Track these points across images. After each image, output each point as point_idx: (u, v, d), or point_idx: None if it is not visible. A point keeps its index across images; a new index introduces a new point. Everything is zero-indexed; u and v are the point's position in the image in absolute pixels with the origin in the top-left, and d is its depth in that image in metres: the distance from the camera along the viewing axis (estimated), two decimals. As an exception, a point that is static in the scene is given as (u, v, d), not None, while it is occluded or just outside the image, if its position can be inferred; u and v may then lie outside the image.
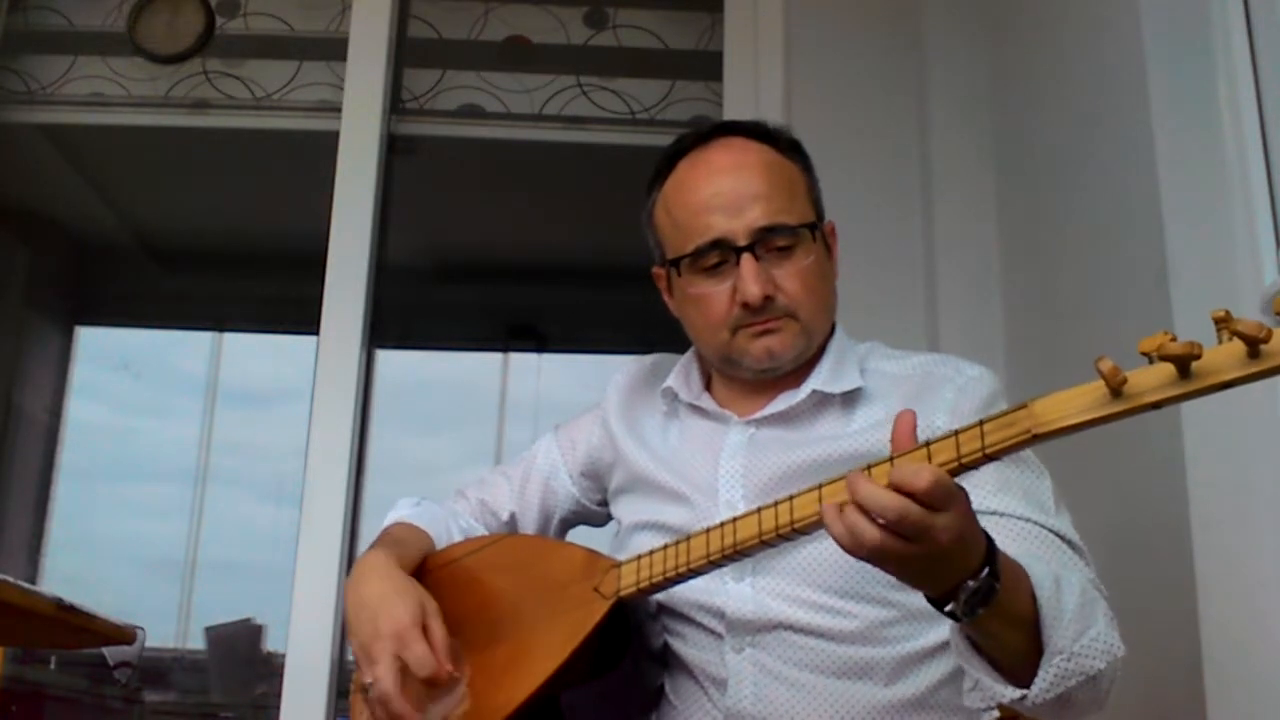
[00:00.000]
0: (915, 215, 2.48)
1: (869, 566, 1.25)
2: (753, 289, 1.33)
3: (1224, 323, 0.83)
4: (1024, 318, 2.20)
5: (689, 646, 1.34)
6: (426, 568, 1.42)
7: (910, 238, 2.46)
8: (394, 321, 2.85)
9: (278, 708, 2.34)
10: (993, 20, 2.40)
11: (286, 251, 3.52)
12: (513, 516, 1.59)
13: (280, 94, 2.89)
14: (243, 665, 3.42)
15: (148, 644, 1.56)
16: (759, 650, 1.28)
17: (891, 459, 1.00)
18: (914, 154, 2.51)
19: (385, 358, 2.79)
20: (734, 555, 1.15)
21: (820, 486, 1.06)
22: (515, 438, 3.40)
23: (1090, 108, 1.84)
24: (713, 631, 1.31)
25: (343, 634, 2.38)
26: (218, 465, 3.52)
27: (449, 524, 1.53)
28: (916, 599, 1.26)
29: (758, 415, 1.40)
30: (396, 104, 2.78)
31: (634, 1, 2.91)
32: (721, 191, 1.37)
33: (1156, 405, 0.87)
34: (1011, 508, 1.25)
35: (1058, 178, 2.01)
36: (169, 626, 3.44)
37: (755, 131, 1.44)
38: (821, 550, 1.28)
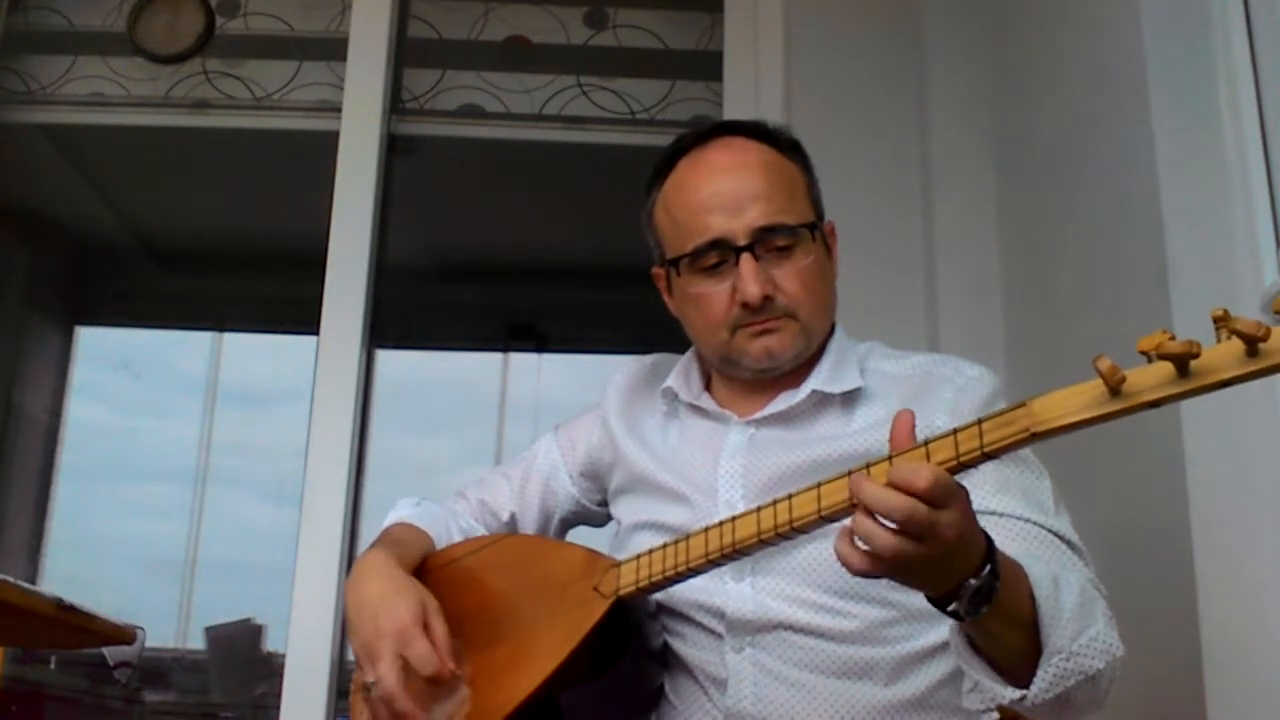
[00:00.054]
0: (915, 215, 2.48)
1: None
2: (752, 289, 1.33)
3: (1223, 321, 0.83)
4: (1024, 318, 2.20)
5: (689, 646, 1.34)
6: (426, 568, 1.42)
7: (910, 238, 2.46)
8: (394, 321, 2.85)
9: (278, 708, 2.34)
10: (993, 20, 2.40)
11: (286, 251, 3.52)
12: (513, 517, 1.59)
13: (280, 94, 2.89)
14: (243, 665, 3.42)
15: (148, 644, 1.56)
16: (759, 650, 1.28)
17: (890, 458, 1.00)
18: (914, 154, 2.51)
19: (385, 358, 2.79)
20: (733, 554, 1.15)
21: (819, 486, 1.06)
22: (515, 438, 3.40)
23: (1090, 108, 1.84)
24: (712, 631, 1.31)
25: (343, 634, 2.38)
26: (218, 465, 3.52)
27: (449, 524, 1.53)
28: (916, 599, 1.27)
29: (757, 415, 1.40)
30: (396, 104, 2.78)
31: (634, 1, 2.91)
32: (721, 191, 1.37)
33: (1155, 404, 0.87)
34: (1011, 508, 1.25)
35: (1058, 178, 2.01)
36: (169, 626, 3.44)
37: (755, 131, 1.44)
38: (821, 550, 1.28)
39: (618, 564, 1.27)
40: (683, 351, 1.53)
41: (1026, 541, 1.22)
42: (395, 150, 2.74)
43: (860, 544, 0.97)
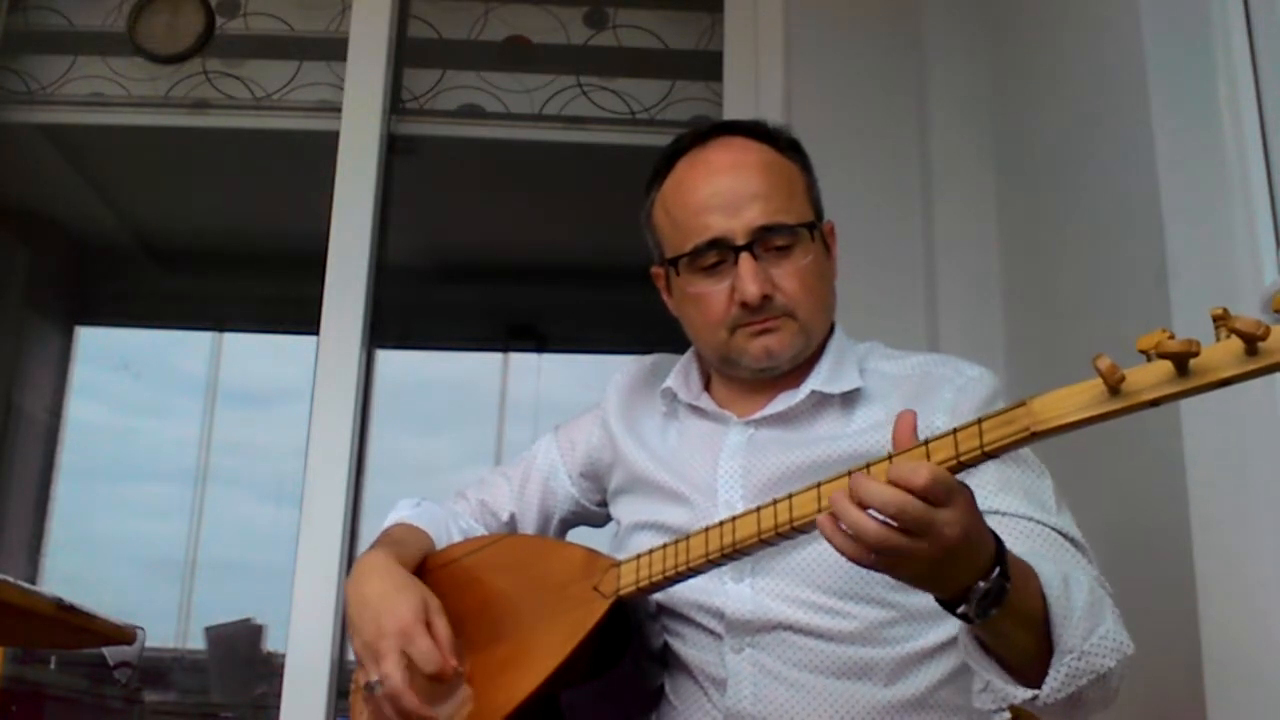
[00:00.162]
0: (915, 215, 2.48)
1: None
2: (751, 288, 1.33)
3: (1222, 320, 0.83)
4: (1024, 318, 2.20)
5: (688, 647, 1.34)
6: (426, 568, 1.42)
7: (910, 238, 2.46)
8: (394, 321, 2.86)
9: (278, 708, 2.34)
10: (993, 20, 2.40)
11: (286, 251, 3.52)
12: (512, 517, 1.59)
13: (280, 94, 2.89)
14: (243, 665, 3.42)
15: (148, 644, 1.56)
16: (758, 650, 1.28)
17: (890, 457, 1.00)
18: (914, 154, 2.51)
19: (385, 358, 2.79)
20: (733, 554, 1.15)
21: (819, 485, 1.06)
22: (515, 438, 3.40)
23: (1090, 108, 1.84)
24: (712, 632, 1.31)
25: (343, 634, 2.37)
26: (218, 465, 3.52)
27: (449, 524, 1.54)
28: (916, 600, 1.27)
29: (757, 415, 1.39)
30: (396, 104, 2.78)
31: (634, 1, 2.91)
32: (720, 191, 1.37)
33: (1155, 403, 0.87)
34: (1013, 507, 1.25)
35: (1058, 178, 2.01)
36: (169, 626, 3.44)
37: (754, 131, 1.44)
38: (821, 551, 1.28)
39: (618, 564, 1.27)
40: (683, 351, 1.53)
41: (1030, 540, 1.22)
42: (395, 150, 2.74)
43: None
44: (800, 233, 1.37)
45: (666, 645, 1.36)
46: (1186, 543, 1.44)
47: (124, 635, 1.45)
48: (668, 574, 1.21)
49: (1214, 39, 1.54)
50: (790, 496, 1.09)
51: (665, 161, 1.45)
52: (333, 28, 2.86)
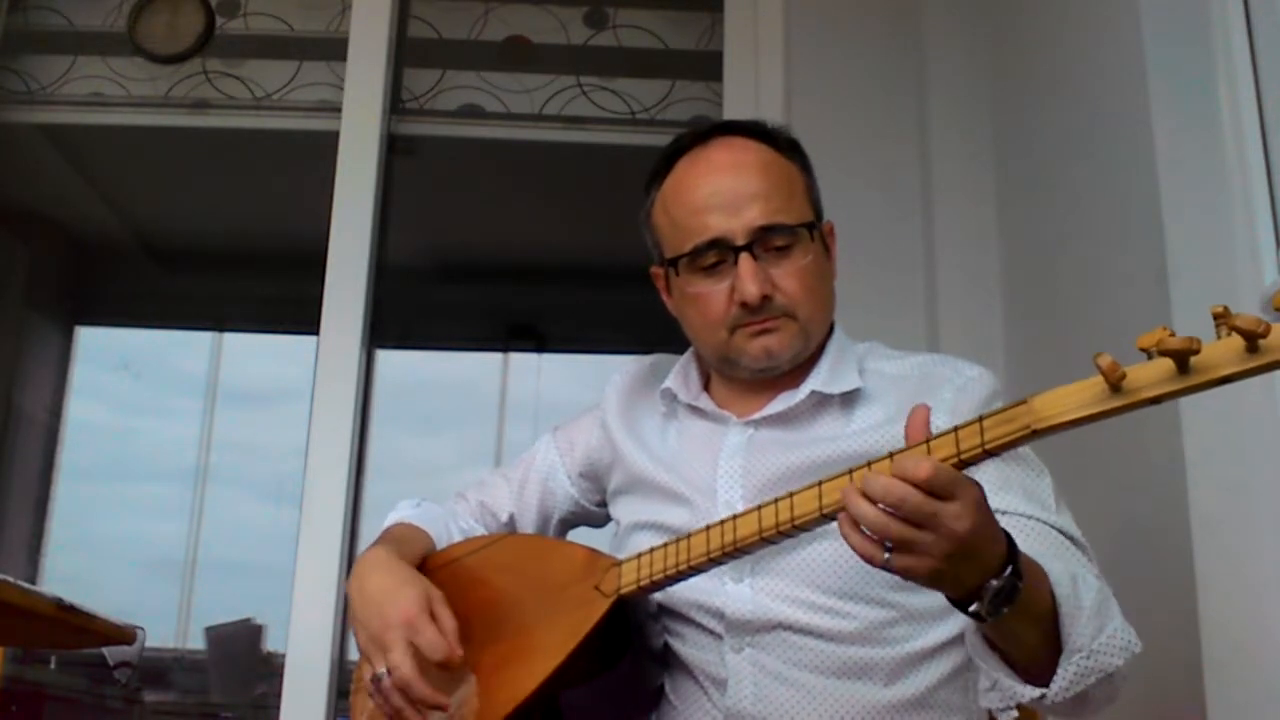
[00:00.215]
0: (915, 215, 2.48)
1: (868, 567, 1.26)
2: (750, 288, 1.33)
3: (1223, 318, 0.83)
4: (1024, 318, 2.20)
5: (688, 646, 1.34)
6: (427, 567, 1.42)
7: (910, 238, 2.46)
8: (394, 321, 2.86)
9: (278, 708, 2.34)
10: (993, 20, 2.40)
11: (286, 251, 3.52)
12: (512, 518, 1.59)
13: (280, 94, 2.89)
14: (243, 665, 3.42)
15: (148, 644, 1.56)
16: (758, 650, 1.28)
17: (891, 455, 1.00)
18: (914, 154, 2.51)
19: (385, 358, 2.79)
20: (734, 553, 1.15)
21: (820, 484, 1.06)
22: (515, 438, 3.40)
23: (1090, 108, 1.84)
24: (712, 632, 1.31)
25: (343, 634, 2.38)
26: (218, 465, 3.52)
27: (449, 524, 1.54)
28: (916, 600, 1.27)
29: (756, 416, 1.39)
30: (396, 104, 2.78)
31: (634, 1, 2.91)
32: (720, 191, 1.36)
33: (1155, 400, 0.87)
34: (1013, 505, 1.25)
35: (1058, 178, 2.01)
36: (169, 626, 3.44)
37: (754, 131, 1.44)
38: (820, 551, 1.28)
39: (618, 563, 1.27)
40: (682, 351, 1.53)
41: (1031, 539, 1.22)
42: (395, 150, 2.74)
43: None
44: (800, 233, 1.36)
45: (667, 645, 1.36)
46: (1186, 543, 1.44)
47: (124, 635, 1.45)
48: (669, 573, 1.21)
49: (1214, 39, 1.54)
50: (791, 495, 1.09)
51: (665, 161, 1.45)
52: (333, 28, 2.86)
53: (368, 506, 2.51)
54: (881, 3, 2.62)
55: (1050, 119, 2.05)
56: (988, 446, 0.96)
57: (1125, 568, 1.44)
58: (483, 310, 3.70)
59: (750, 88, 2.59)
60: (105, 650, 1.55)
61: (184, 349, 3.86)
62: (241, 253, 3.66)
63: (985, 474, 1.21)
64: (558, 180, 3.22)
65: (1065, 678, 1.05)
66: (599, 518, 1.60)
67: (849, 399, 1.38)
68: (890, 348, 1.48)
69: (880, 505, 0.96)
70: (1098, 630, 1.07)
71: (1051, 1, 2.08)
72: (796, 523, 1.08)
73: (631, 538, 1.43)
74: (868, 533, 0.99)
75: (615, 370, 1.59)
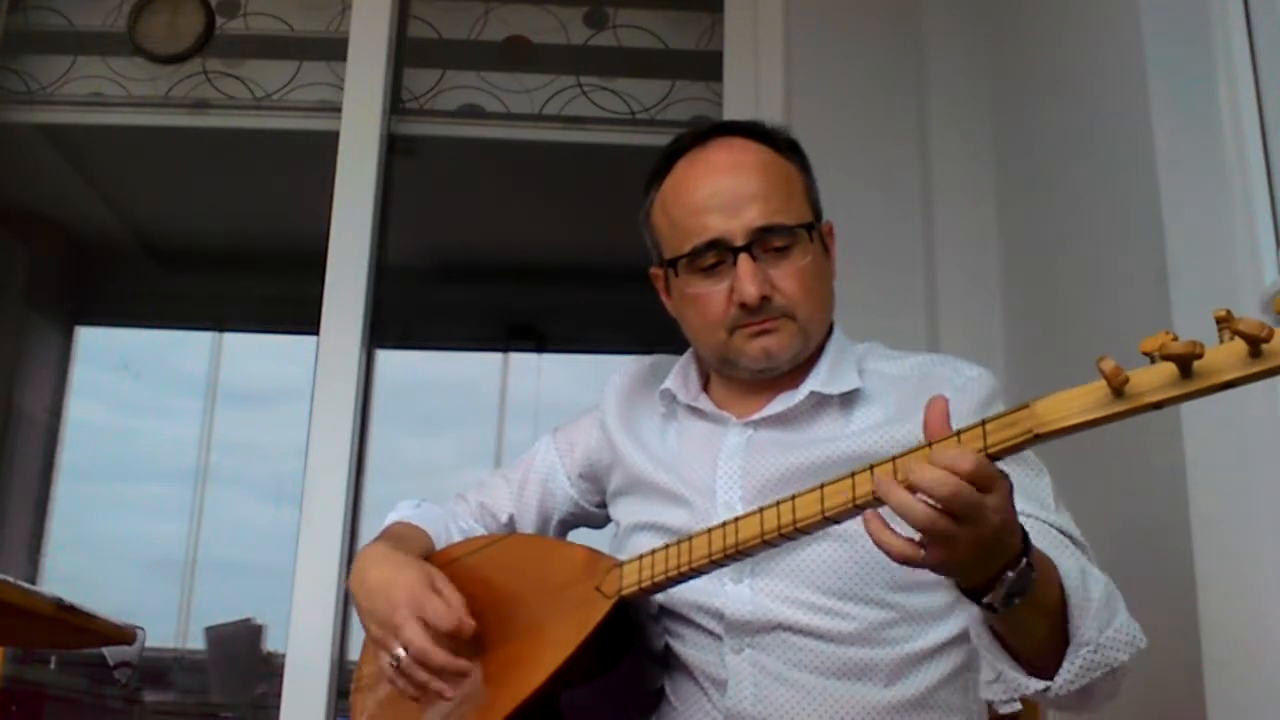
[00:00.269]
0: (915, 215, 2.48)
1: (867, 568, 1.26)
2: (749, 289, 1.33)
3: (1225, 322, 0.83)
4: (1024, 318, 2.20)
5: (688, 647, 1.34)
6: (427, 567, 1.42)
7: (910, 238, 2.46)
8: (394, 321, 2.86)
9: (278, 708, 2.34)
10: (993, 20, 2.40)
11: (286, 251, 3.52)
12: (511, 519, 1.59)
13: (280, 94, 2.89)
14: (243, 665, 3.42)
15: (148, 644, 1.56)
16: (758, 651, 1.28)
17: (894, 459, 1.00)
18: (914, 154, 2.51)
19: (385, 358, 2.79)
20: (735, 555, 1.15)
21: (822, 487, 1.06)
22: (515, 438, 3.41)
23: (1090, 108, 1.84)
24: (712, 633, 1.31)
25: (343, 634, 2.38)
26: (218, 465, 3.53)
27: (448, 524, 1.54)
28: (915, 600, 1.27)
29: (756, 416, 1.39)
30: (396, 104, 2.78)
31: (634, 1, 2.91)
32: (719, 191, 1.36)
33: (1158, 405, 0.87)
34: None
35: (1058, 178, 2.01)
36: (169, 626, 3.44)
37: (753, 131, 1.44)
38: (820, 552, 1.28)
39: (620, 564, 1.27)
40: (683, 352, 1.53)
41: (1032, 537, 1.22)
42: (395, 150, 2.74)
43: (895, 526, 0.97)
44: (799, 233, 1.36)
45: (667, 646, 1.36)
46: (1187, 543, 1.44)
47: (124, 635, 1.45)
48: (670, 574, 1.21)
49: (1214, 39, 1.54)
50: (794, 498, 1.09)
51: (664, 162, 1.45)
52: (333, 28, 2.86)
53: (368, 506, 2.51)
54: (881, 3, 2.62)
55: (1050, 119, 2.05)
56: (990, 450, 0.96)
57: (1125, 568, 1.43)
58: (483, 310, 3.70)
59: (750, 88, 2.59)
60: (105, 650, 1.55)
61: (184, 349, 3.86)
62: (241, 253, 3.66)
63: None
64: (558, 180, 3.22)
65: (1071, 671, 1.05)
66: (599, 519, 1.59)
67: (848, 399, 1.38)
68: (889, 348, 1.48)
69: (920, 496, 0.95)
70: (1105, 624, 1.07)
71: (1051, 1, 2.08)
72: (799, 525, 1.08)
73: (631, 538, 1.43)
74: (898, 530, 0.98)
75: (615, 371, 1.59)
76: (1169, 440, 1.46)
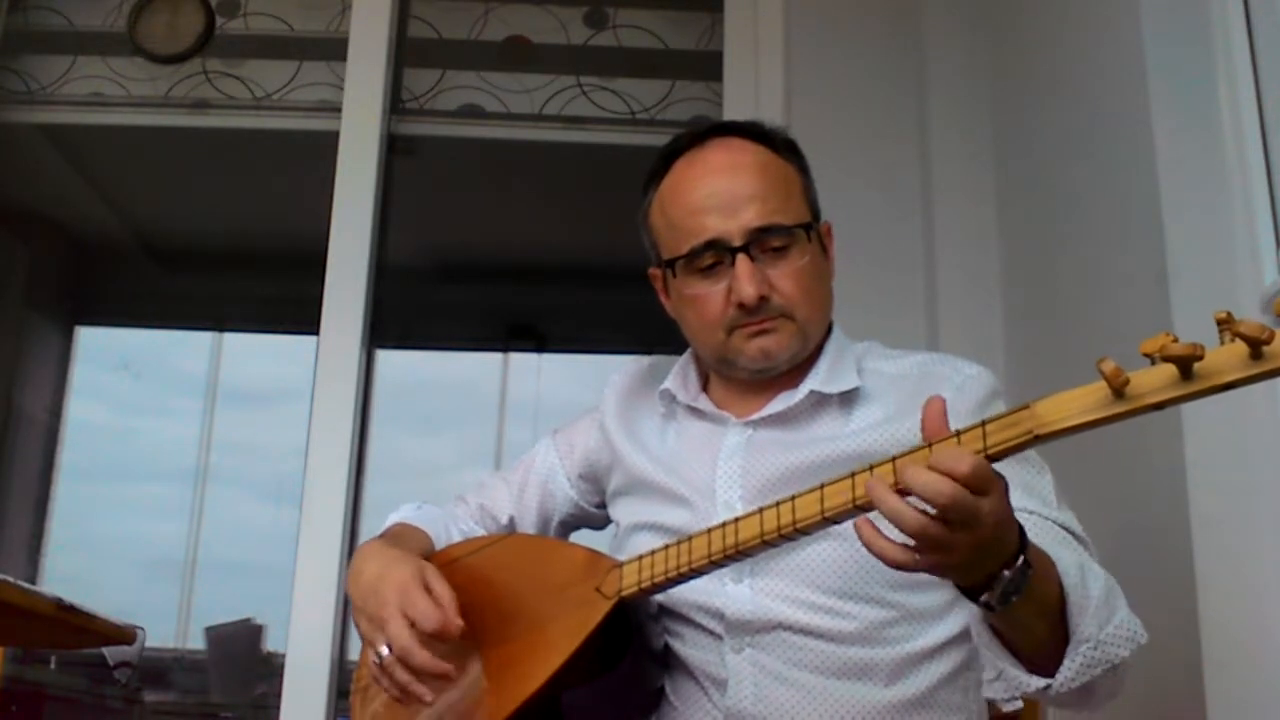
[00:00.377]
0: (915, 215, 2.48)
1: (867, 567, 1.26)
2: (748, 289, 1.32)
3: (1226, 324, 0.83)
4: (1024, 318, 2.20)
5: (689, 647, 1.34)
6: (427, 567, 1.42)
7: (910, 238, 2.46)
8: (394, 321, 2.86)
9: (278, 708, 2.34)
10: (993, 20, 2.40)
11: (286, 251, 3.52)
12: (511, 520, 1.59)
13: (280, 94, 2.89)
14: (243, 665, 3.42)
15: (148, 644, 1.56)
16: (758, 651, 1.28)
17: (894, 459, 1.00)
18: (914, 154, 2.51)
19: (385, 358, 2.79)
20: (736, 555, 1.15)
21: (822, 487, 1.06)
22: (515, 438, 3.41)
23: (1090, 108, 1.84)
24: (712, 632, 1.31)
25: (343, 634, 2.38)
26: (218, 465, 3.53)
27: (448, 525, 1.54)
28: (916, 600, 1.27)
29: (755, 416, 1.39)
30: (396, 104, 2.78)
31: (634, 1, 2.91)
32: (717, 192, 1.36)
33: (1159, 406, 0.87)
34: (1015, 501, 1.24)
35: (1058, 178, 2.01)
36: (169, 626, 3.44)
37: (751, 132, 1.44)
38: (820, 551, 1.28)
39: (620, 565, 1.27)
40: (682, 352, 1.53)
41: (1034, 534, 1.21)
42: (395, 150, 2.74)
43: (889, 532, 0.96)
44: (797, 233, 1.36)
45: (667, 646, 1.36)
46: (1186, 543, 1.44)
47: (124, 635, 1.45)
48: (670, 575, 1.21)
49: (1214, 39, 1.54)
50: (794, 498, 1.09)
51: (662, 162, 1.45)
52: (333, 28, 2.86)
53: (368, 506, 2.51)
54: (881, 3, 2.62)
55: (1050, 119, 2.05)
56: (990, 451, 0.95)
57: (1126, 568, 1.43)
58: (483, 310, 3.70)
59: (750, 88, 2.59)
60: (105, 650, 1.55)
61: (184, 349, 3.87)
62: (241, 253, 3.67)
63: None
64: (558, 180, 3.22)
65: (1072, 668, 1.05)
66: (599, 519, 1.59)
67: (848, 398, 1.38)
68: (889, 347, 1.48)
69: (912, 501, 0.94)
70: (1105, 620, 1.07)
71: (1051, 1, 2.08)
72: (799, 526, 1.08)
73: (631, 539, 1.43)
74: (891, 536, 0.97)
75: (614, 371, 1.59)
76: (1169, 441, 1.46)
